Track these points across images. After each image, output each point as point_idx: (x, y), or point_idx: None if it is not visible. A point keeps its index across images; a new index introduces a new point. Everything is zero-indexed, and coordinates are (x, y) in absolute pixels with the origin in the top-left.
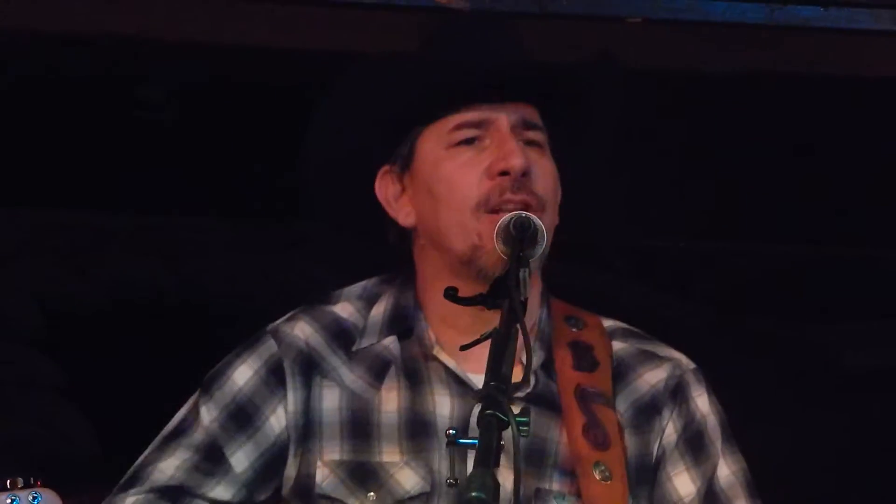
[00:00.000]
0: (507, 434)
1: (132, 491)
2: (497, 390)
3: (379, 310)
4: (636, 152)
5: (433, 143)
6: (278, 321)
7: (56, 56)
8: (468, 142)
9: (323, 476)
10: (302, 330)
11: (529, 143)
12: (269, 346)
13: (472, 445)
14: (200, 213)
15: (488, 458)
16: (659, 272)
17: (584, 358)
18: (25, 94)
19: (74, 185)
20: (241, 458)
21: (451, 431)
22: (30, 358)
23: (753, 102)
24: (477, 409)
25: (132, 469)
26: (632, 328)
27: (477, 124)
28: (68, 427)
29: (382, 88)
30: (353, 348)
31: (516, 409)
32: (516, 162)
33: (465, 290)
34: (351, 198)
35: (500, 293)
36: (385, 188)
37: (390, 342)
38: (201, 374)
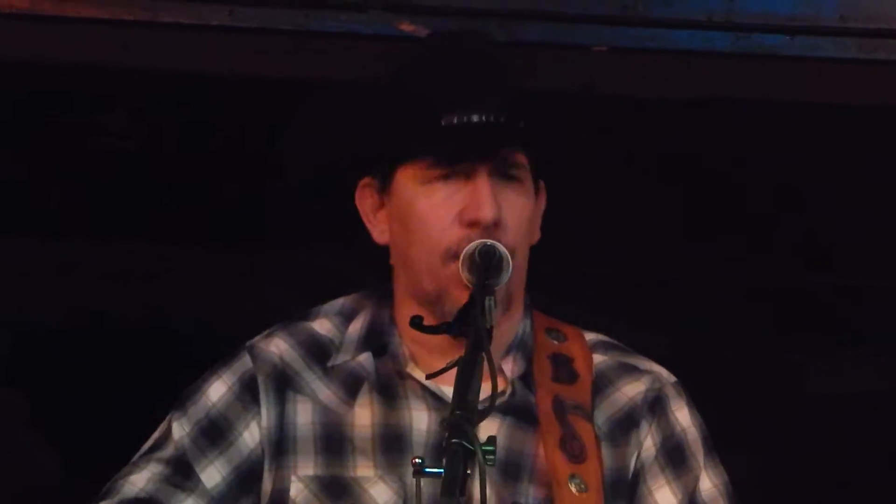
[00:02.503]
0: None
1: (103, 503)
2: (463, 419)
3: (356, 326)
4: (603, 180)
5: (409, 174)
6: (256, 338)
7: (22, 84)
8: (444, 177)
9: (297, 490)
10: (277, 346)
11: (508, 178)
12: (245, 362)
13: (438, 475)
14: (167, 241)
15: (454, 488)
16: (627, 300)
17: (564, 370)
18: None
19: (40, 212)
20: (212, 473)
21: (416, 461)
22: None
23: (719, 130)
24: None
25: (104, 488)
26: (613, 341)
27: (451, 161)
28: (34, 456)
29: (359, 118)
30: (329, 364)
31: (488, 431)
32: (487, 214)
33: (431, 319)
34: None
35: (466, 321)
36: (364, 200)
37: (365, 359)
38: (168, 400)
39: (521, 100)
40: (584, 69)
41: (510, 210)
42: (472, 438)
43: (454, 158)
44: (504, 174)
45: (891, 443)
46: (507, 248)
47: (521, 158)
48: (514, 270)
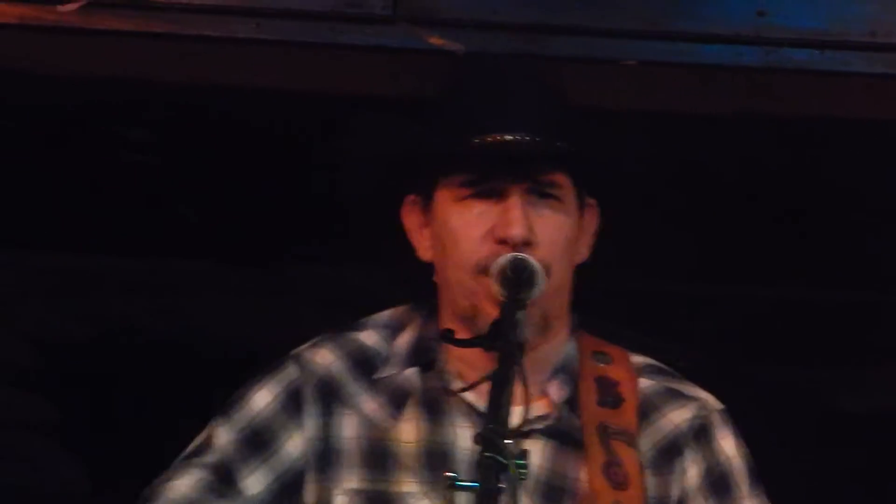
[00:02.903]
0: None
1: None
2: (495, 433)
3: (403, 340)
4: (629, 195)
5: (446, 192)
6: (301, 347)
7: (48, 97)
8: (477, 195)
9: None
10: (324, 357)
11: (543, 196)
12: (290, 372)
13: (471, 488)
14: (190, 256)
15: (488, 502)
16: (650, 316)
17: (609, 394)
18: (11, 136)
19: (64, 227)
20: (254, 482)
21: (449, 474)
22: (21, 399)
23: (748, 145)
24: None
25: (145, 490)
26: (660, 365)
27: (484, 179)
28: (60, 468)
29: (402, 137)
30: (375, 377)
31: (532, 452)
32: (516, 232)
33: (467, 335)
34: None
35: (498, 335)
36: (409, 217)
37: (411, 373)
38: (191, 414)
39: (562, 118)
40: (613, 83)
41: (544, 228)
42: (505, 452)
43: (486, 176)
44: (539, 192)
45: None
46: (542, 265)
47: (560, 177)
48: (550, 290)
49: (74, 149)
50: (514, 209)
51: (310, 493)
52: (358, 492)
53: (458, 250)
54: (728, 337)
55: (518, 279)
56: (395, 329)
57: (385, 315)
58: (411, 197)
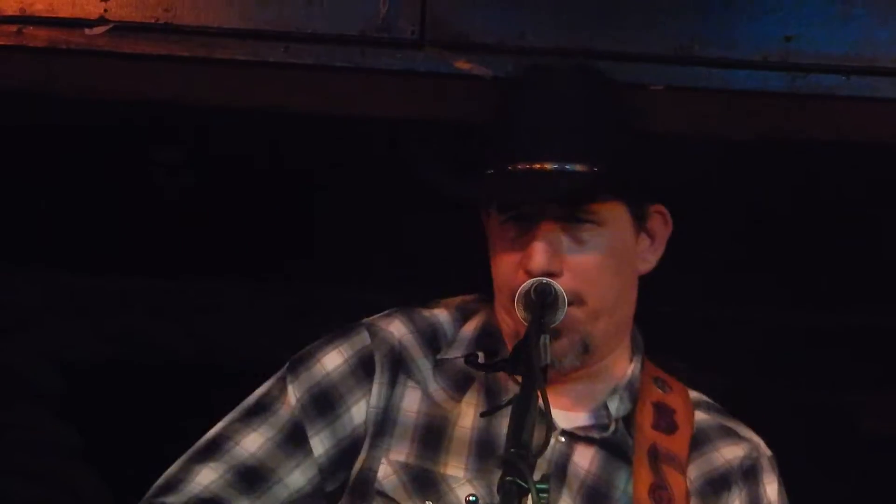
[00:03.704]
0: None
1: (211, 464)
2: (517, 456)
3: (471, 325)
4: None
5: (493, 213)
6: (374, 316)
7: (77, 120)
8: (514, 219)
9: (385, 474)
10: (397, 328)
11: (579, 221)
12: (363, 338)
13: None
14: (216, 276)
15: None
16: (684, 339)
17: (665, 420)
18: (40, 156)
19: (87, 247)
20: (318, 444)
21: (470, 498)
22: (47, 419)
23: (775, 170)
24: (554, 442)
25: (211, 437)
26: (715, 403)
27: (516, 206)
28: (84, 488)
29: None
30: (439, 356)
31: (583, 458)
32: (535, 266)
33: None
34: None
35: (521, 359)
36: (486, 224)
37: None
38: None
39: (605, 142)
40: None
41: (576, 256)
42: (527, 476)
43: (515, 204)
44: (573, 217)
45: None
46: (570, 293)
47: (598, 204)
48: (586, 316)
49: (101, 170)
50: (536, 241)
51: (359, 460)
52: (404, 465)
53: (498, 274)
54: (758, 361)
55: (541, 303)
56: (466, 313)
57: (457, 300)
58: (483, 209)
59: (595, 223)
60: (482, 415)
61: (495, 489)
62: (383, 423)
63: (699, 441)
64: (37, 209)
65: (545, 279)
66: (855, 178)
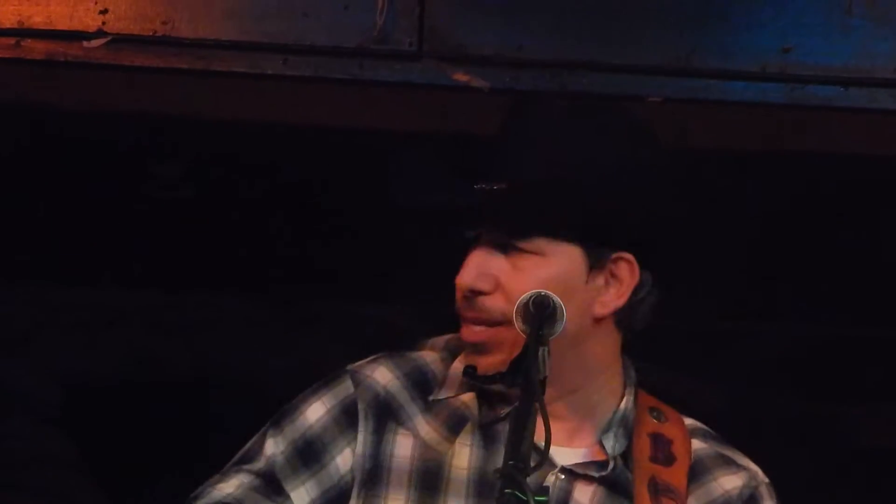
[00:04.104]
0: None
1: None
2: (516, 469)
3: (461, 364)
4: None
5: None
6: (360, 362)
7: (73, 133)
8: (475, 239)
9: None
10: (382, 375)
11: (521, 250)
12: (346, 387)
13: None
14: (216, 290)
15: None
16: (676, 353)
17: (662, 451)
18: (39, 170)
19: (87, 261)
20: (301, 495)
21: None
22: (45, 434)
23: (774, 181)
24: (550, 476)
25: (194, 492)
26: (711, 431)
27: (470, 227)
28: (83, 503)
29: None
30: (431, 398)
31: (583, 497)
32: (462, 281)
33: None
34: None
35: (519, 371)
36: None
37: (469, 398)
38: (216, 450)
39: (562, 170)
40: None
41: (510, 279)
42: (525, 488)
43: (470, 225)
44: (513, 246)
45: None
46: (490, 314)
47: (543, 238)
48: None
49: (100, 183)
50: (471, 259)
51: None
52: None
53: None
54: (760, 373)
55: (539, 315)
56: (453, 352)
57: (444, 338)
58: None
59: (537, 254)
60: (483, 424)
61: None
62: (375, 471)
63: (697, 471)
64: (34, 223)
65: (543, 291)
66: (854, 189)
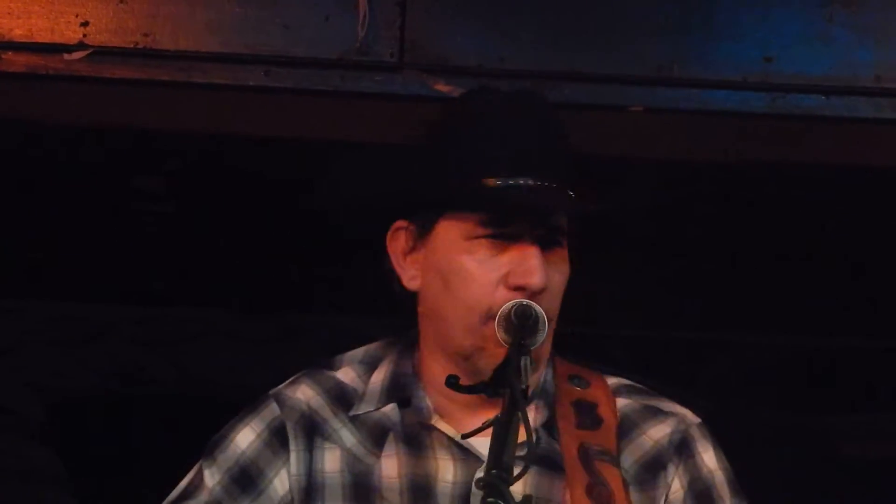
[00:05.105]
0: None
1: None
2: (499, 478)
3: (379, 376)
4: (636, 243)
5: (454, 227)
6: (280, 386)
7: (54, 146)
8: (491, 236)
9: None
10: (304, 393)
11: (553, 243)
12: (272, 409)
13: None
14: (199, 304)
15: None
16: (659, 363)
17: (588, 416)
18: (20, 183)
19: (74, 276)
20: None
21: None
22: (28, 449)
23: (755, 191)
24: (479, 473)
25: None
26: (635, 384)
27: (502, 222)
28: None
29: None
30: (352, 413)
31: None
32: (535, 282)
33: (461, 372)
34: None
35: (502, 381)
36: (396, 243)
37: (389, 409)
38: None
39: (568, 163)
40: (620, 130)
41: (553, 276)
42: (509, 498)
43: (504, 220)
44: (549, 240)
45: None
46: (546, 312)
47: (564, 225)
48: (549, 335)
49: (82, 197)
50: (533, 258)
51: None
52: None
53: (467, 292)
54: (736, 383)
55: (523, 326)
56: (370, 365)
57: (360, 352)
58: (401, 222)
59: (562, 247)
60: (463, 436)
61: None
62: (309, 489)
63: (625, 428)
64: (16, 236)
65: (525, 301)
66: (835, 198)
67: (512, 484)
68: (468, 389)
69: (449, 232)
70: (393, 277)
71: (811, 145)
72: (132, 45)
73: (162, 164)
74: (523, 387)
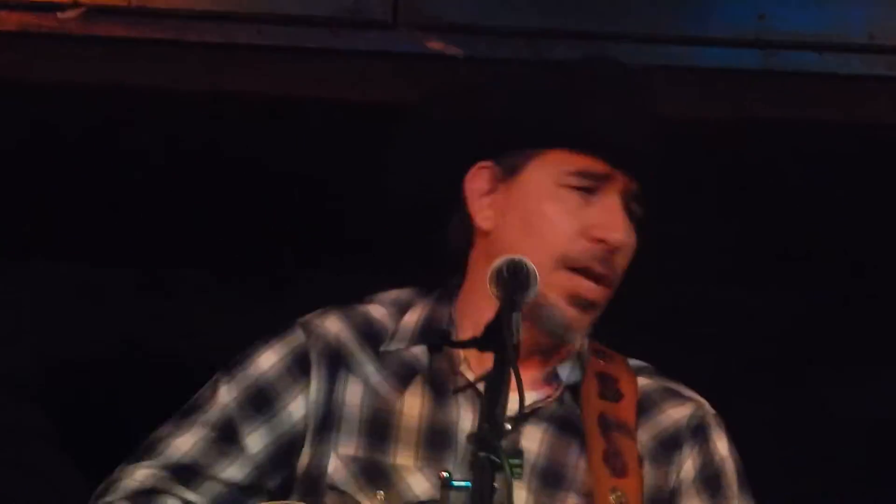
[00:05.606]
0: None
1: (145, 462)
2: (490, 432)
3: (412, 317)
4: None
5: (545, 171)
6: (310, 314)
7: (46, 106)
8: (582, 187)
9: (335, 468)
10: (332, 324)
11: (631, 213)
12: (298, 336)
13: (465, 488)
14: (191, 265)
15: (483, 501)
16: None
17: (610, 389)
18: (10, 143)
19: (62, 236)
20: (255, 440)
21: (444, 474)
22: (21, 410)
23: (747, 148)
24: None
25: (146, 441)
26: (655, 369)
27: (598, 177)
28: (58, 478)
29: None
30: (381, 349)
31: (532, 437)
32: (618, 237)
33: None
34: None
35: (493, 337)
36: (476, 181)
37: (419, 351)
38: None
39: (659, 134)
40: None
41: (628, 244)
42: (500, 452)
43: (601, 173)
44: (631, 209)
45: None
46: (618, 273)
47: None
48: (609, 296)
49: (73, 156)
50: (618, 212)
51: (304, 456)
52: (353, 459)
53: (548, 236)
54: (722, 340)
55: (514, 281)
56: (401, 307)
57: (392, 294)
58: (485, 162)
59: (634, 218)
60: (460, 389)
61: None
62: (327, 419)
63: (645, 406)
64: (8, 198)
65: (517, 257)
66: (826, 155)
67: (504, 438)
68: (459, 344)
69: (539, 175)
70: (456, 222)
71: (803, 102)
72: (125, 4)
73: (154, 123)
74: (514, 342)
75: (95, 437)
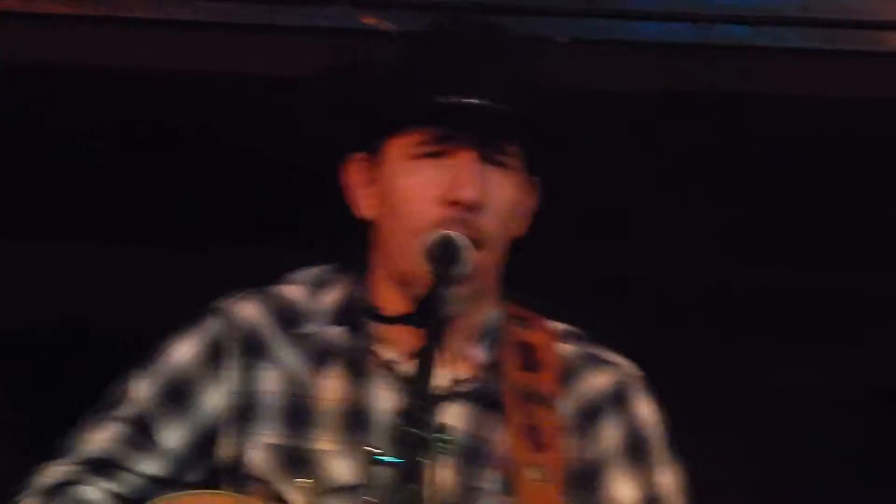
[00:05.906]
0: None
1: (61, 461)
2: (418, 408)
3: (329, 298)
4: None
5: (398, 150)
6: (226, 300)
7: None
8: (432, 155)
9: (257, 458)
10: (248, 310)
11: (496, 163)
12: (212, 325)
13: (391, 464)
14: (130, 241)
15: (410, 476)
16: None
17: (530, 359)
18: None
19: (14, 213)
20: (171, 435)
21: (369, 449)
22: None
23: (683, 122)
24: None
25: (63, 444)
26: (578, 331)
27: (443, 139)
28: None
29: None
30: (298, 331)
31: (454, 417)
32: (469, 194)
33: (405, 299)
34: None
35: (425, 312)
36: (351, 174)
37: (337, 332)
38: None
39: (525, 91)
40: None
41: (493, 195)
42: (427, 427)
43: (444, 136)
44: (492, 159)
45: (855, 437)
46: (482, 232)
47: (514, 148)
48: (488, 262)
49: (9, 135)
50: (466, 171)
51: (224, 447)
52: (274, 447)
53: (406, 211)
54: (668, 314)
55: (444, 255)
56: (319, 286)
57: (310, 272)
58: (359, 154)
59: (510, 168)
60: (350, 357)
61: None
62: (245, 408)
63: (566, 374)
64: None
65: (448, 231)
66: (762, 129)
67: (430, 414)
68: (391, 320)
69: (394, 154)
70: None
71: (738, 76)
72: None
73: (90, 101)
74: (445, 317)
75: (30, 414)
